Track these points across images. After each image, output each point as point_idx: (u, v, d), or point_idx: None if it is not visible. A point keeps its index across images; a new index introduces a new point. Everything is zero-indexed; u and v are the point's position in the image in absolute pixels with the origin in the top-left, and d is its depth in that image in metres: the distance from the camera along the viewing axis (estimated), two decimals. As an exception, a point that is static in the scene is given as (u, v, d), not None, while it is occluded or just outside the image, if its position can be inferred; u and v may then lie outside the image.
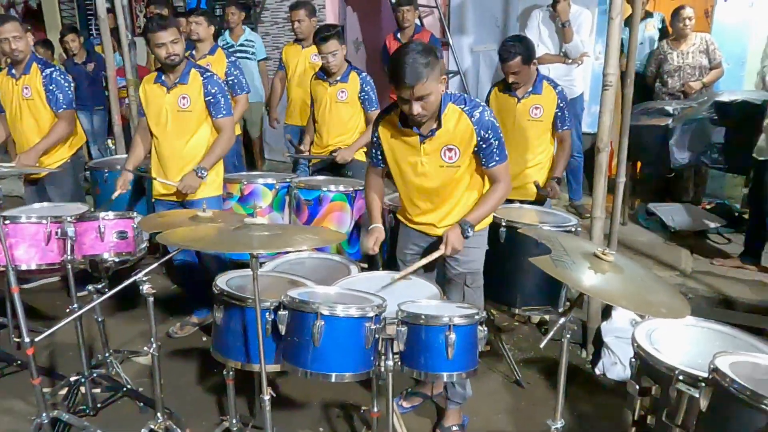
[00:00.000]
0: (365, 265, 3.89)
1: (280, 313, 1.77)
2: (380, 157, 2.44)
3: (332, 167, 3.89)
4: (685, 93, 4.77)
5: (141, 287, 2.02)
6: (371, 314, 1.72)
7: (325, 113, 3.82)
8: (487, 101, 3.49)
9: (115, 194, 3.24)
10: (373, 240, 2.36)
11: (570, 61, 4.68)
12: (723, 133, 4.12)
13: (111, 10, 4.93)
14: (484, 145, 2.21)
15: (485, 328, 1.82)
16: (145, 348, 2.27)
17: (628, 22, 3.79)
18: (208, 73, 3.13)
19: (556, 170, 3.34)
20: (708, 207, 4.83)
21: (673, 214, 4.66)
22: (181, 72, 3.07)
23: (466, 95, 2.28)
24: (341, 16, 6.81)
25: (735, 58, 4.97)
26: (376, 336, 1.75)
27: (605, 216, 3.12)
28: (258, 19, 6.77)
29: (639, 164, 4.84)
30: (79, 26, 7.84)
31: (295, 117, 4.57)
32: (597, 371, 3.08)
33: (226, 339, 1.91)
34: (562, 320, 1.64)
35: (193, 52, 4.26)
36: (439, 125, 2.20)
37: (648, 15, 5.24)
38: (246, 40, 5.31)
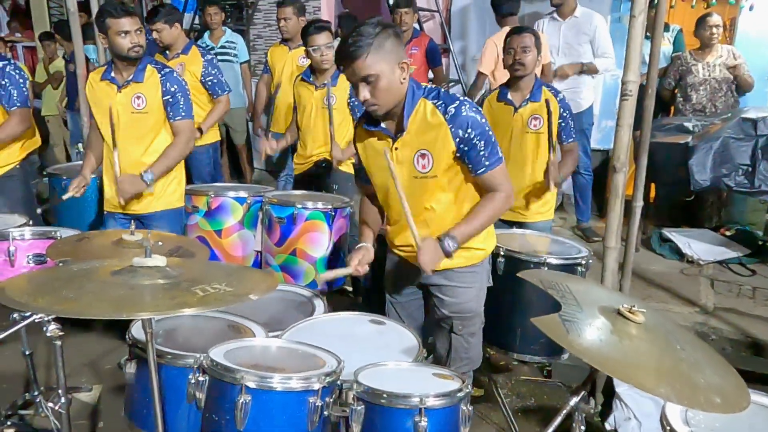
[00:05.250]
0: (350, 288, 3.51)
1: (199, 378, 1.35)
2: (364, 170, 2.07)
3: (317, 177, 3.50)
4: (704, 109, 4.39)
5: (44, 328, 1.60)
6: (317, 386, 1.30)
7: (310, 120, 3.44)
8: None
9: (66, 195, 2.85)
10: (357, 259, 1.95)
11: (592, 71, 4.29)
12: (749, 153, 3.71)
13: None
14: (466, 149, 1.79)
15: (470, 408, 1.40)
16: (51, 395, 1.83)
17: (648, 29, 3.42)
18: (167, 70, 2.75)
19: (561, 170, 2.91)
20: (728, 234, 4.41)
21: (690, 240, 4.26)
22: (135, 68, 2.68)
23: (444, 90, 1.87)
24: (337, 19, 6.46)
25: (759, 71, 4.57)
26: (325, 413, 1.33)
27: (620, 245, 2.71)
28: (250, 20, 6.42)
29: (653, 185, 4.43)
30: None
31: (281, 124, 4.21)
32: (608, 426, 2.65)
33: (140, 403, 1.49)
34: (573, 401, 1.23)
35: (167, 52, 3.90)
36: (406, 125, 1.82)
37: (665, 28, 4.85)
38: (227, 41, 4.96)
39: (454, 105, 1.78)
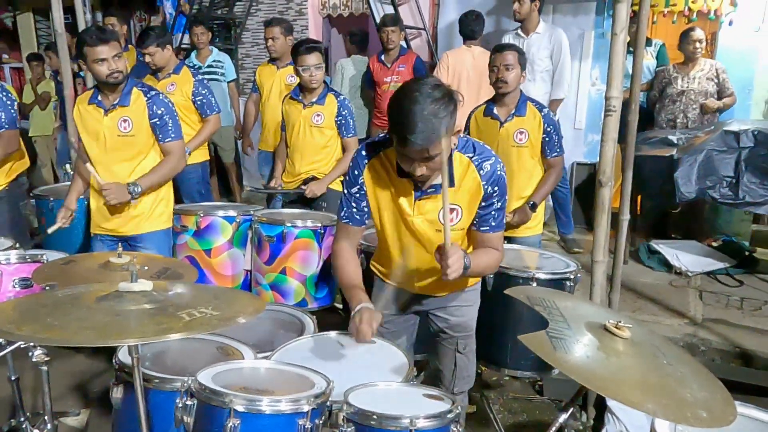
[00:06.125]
0: (340, 305, 3.50)
1: (187, 402, 1.34)
2: (365, 210, 1.87)
3: (305, 198, 3.51)
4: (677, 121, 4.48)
5: (30, 354, 1.58)
6: (306, 408, 1.29)
7: (298, 138, 3.46)
8: (467, 127, 3.14)
9: (52, 229, 2.83)
10: (367, 326, 1.68)
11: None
12: (733, 165, 3.77)
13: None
14: (483, 204, 1.76)
15: (461, 429, 1.39)
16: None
17: (631, 44, 3.48)
18: (153, 92, 2.75)
19: (536, 194, 2.97)
20: (714, 245, 4.46)
21: (678, 252, 4.30)
22: (121, 92, 2.68)
23: (475, 141, 1.81)
24: (326, 38, 6.52)
25: (741, 85, 4.66)
26: (315, 435, 1.32)
27: (608, 259, 2.72)
28: (238, 40, 6.47)
29: (639, 198, 4.48)
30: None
31: (270, 142, 4.24)
32: (600, 440, 2.65)
33: (127, 429, 1.47)
34: (562, 417, 1.23)
35: (157, 73, 3.91)
36: (451, 183, 1.72)
37: (647, 43, 4.94)
38: (214, 60, 4.99)
39: (490, 162, 1.75)
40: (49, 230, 2.85)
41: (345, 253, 1.91)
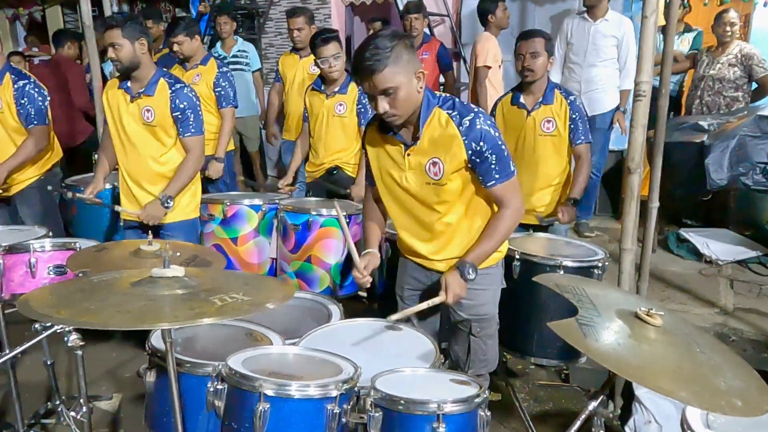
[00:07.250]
0: (364, 294, 3.51)
1: (217, 386, 1.37)
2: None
3: (329, 184, 3.52)
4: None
5: (66, 339, 1.63)
6: (335, 393, 1.31)
7: (322, 128, 3.46)
8: (493, 116, 3.10)
9: (79, 196, 2.91)
10: (363, 264, 1.98)
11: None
12: (767, 151, 3.67)
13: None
14: (478, 161, 1.80)
15: (488, 413, 1.39)
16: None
17: (663, 30, 3.41)
18: (178, 85, 2.76)
19: (573, 190, 2.92)
20: (746, 233, 4.36)
21: (708, 240, 4.20)
22: (147, 81, 2.72)
23: (458, 99, 1.88)
24: (348, 26, 6.51)
25: (775, 68, 4.51)
26: (343, 420, 1.34)
27: (636, 247, 2.68)
28: (261, 30, 6.48)
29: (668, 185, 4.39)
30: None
31: (293, 131, 4.25)
32: (627, 430, 2.62)
33: (160, 412, 1.51)
34: (592, 405, 1.22)
35: (185, 63, 3.95)
36: (421, 133, 1.83)
37: (687, 29, 4.81)
38: (239, 50, 5.01)
39: (469, 117, 1.79)
40: (78, 195, 2.92)
41: (370, 210, 2.17)
